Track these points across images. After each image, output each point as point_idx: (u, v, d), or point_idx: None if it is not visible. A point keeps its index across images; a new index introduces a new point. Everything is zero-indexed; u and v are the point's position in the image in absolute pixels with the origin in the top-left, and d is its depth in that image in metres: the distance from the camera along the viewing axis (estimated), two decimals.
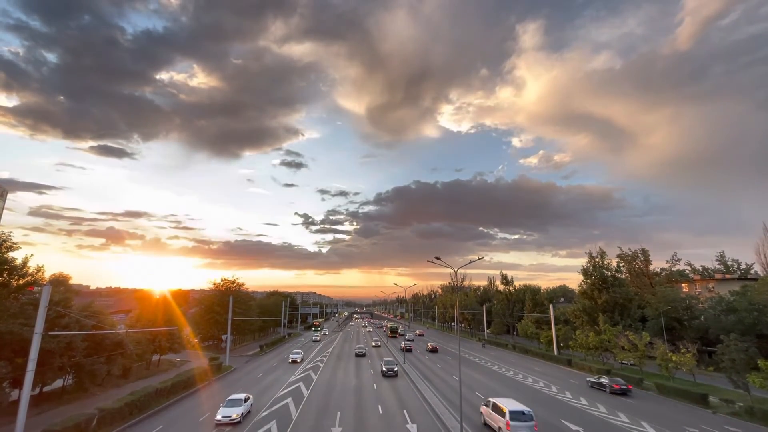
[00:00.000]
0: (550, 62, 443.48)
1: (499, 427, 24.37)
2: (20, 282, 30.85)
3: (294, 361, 56.11)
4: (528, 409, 24.62)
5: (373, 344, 80.00)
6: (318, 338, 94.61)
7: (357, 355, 62.55)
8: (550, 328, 70.17)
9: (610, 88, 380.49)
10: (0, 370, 24.63)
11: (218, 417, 26.85)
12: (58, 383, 35.73)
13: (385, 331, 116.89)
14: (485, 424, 27.13)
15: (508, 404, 25.18)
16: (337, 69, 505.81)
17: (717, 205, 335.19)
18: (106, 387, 37.85)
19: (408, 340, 79.91)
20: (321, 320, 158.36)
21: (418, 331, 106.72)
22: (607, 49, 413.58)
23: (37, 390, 32.36)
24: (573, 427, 27.45)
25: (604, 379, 41.00)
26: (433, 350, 72.68)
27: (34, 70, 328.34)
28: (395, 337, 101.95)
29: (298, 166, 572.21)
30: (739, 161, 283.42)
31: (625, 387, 39.17)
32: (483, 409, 27.86)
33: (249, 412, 29.38)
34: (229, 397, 29.30)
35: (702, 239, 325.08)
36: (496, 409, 25.41)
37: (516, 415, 23.76)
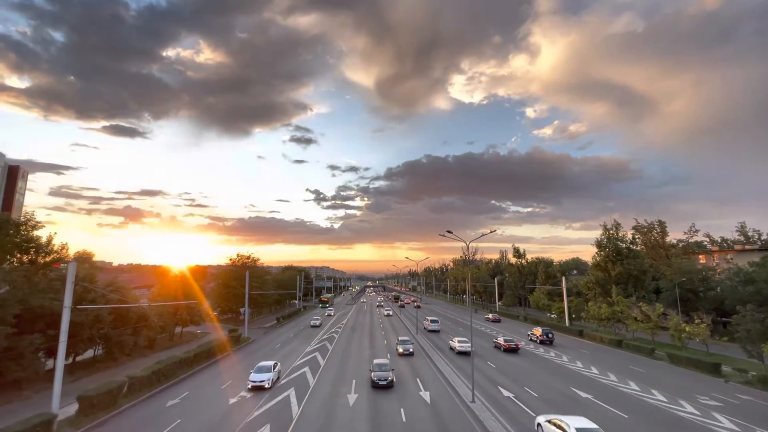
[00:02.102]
0: (567, 26, 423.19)
1: (424, 326, 61.47)
2: (46, 259, 32.20)
3: (256, 388, 28.77)
4: (437, 319, 62.75)
5: (401, 350, 42.64)
6: (319, 322, 70.07)
7: (375, 386, 29.20)
8: (562, 300, 70.46)
9: (631, 52, 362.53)
10: (35, 342, 26.21)
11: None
12: (90, 353, 37.92)
13: (390, 299, 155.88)
14: (425, 327, 62.57)
15: (430, 318, 63.17)
16: (344, 40, 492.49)
17: (740, 174, 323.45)
18: (133, 356, 39.96)
19: (406, 303, 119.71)
20: (330, 295, 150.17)
21: (413, 298, 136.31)
22: (629, 10, 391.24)
23: (71, 359, 34.32)
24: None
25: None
26: (417, 307, 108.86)
27: (43, 50, 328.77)
28: (397, 301, 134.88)
29: (308, 141, 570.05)
30: (765, 128, 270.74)
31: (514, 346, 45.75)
32: (424, 322, 64.07)
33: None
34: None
35: (723, 210, 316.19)
36: (425, 320, 60.30)
37: (431, 321, 60.85)
